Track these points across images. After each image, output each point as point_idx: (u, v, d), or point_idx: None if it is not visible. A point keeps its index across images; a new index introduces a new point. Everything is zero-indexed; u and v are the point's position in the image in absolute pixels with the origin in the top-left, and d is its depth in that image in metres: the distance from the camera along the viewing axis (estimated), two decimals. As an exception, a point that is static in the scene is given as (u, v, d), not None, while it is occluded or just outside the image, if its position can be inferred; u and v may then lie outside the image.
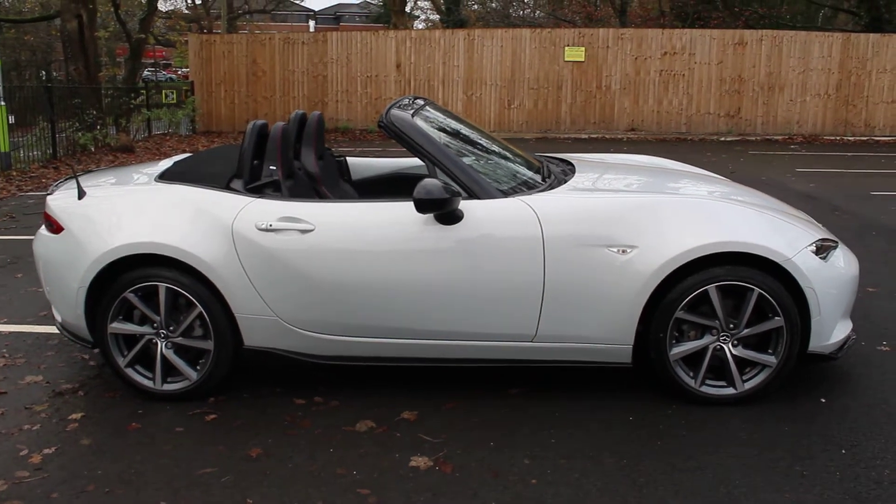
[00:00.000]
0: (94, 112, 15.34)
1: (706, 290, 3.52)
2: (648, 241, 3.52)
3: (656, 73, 19.56)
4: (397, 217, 3.62)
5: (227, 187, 3.86)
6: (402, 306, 3.63)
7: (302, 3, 54.41)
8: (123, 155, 14.54)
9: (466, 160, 3.81)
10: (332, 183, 4.87)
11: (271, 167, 3.98)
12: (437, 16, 38.54)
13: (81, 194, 3.97)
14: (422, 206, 3.45)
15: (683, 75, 19.51)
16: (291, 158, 4.25)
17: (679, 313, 3.56)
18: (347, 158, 5.36)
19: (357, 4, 65.38)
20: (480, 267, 3.56)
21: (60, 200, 4.02)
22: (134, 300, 3.77)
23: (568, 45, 19.59)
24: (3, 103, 12.44)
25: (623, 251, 3.52)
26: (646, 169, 4.92)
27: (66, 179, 4.33)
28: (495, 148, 4.46)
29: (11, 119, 12.94)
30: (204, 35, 22.77)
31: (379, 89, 20.21)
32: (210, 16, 36.76)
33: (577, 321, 3.60)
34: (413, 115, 3.86)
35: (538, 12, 39.97)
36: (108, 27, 22.15)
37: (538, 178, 4.08)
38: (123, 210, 3.86)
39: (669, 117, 19.73)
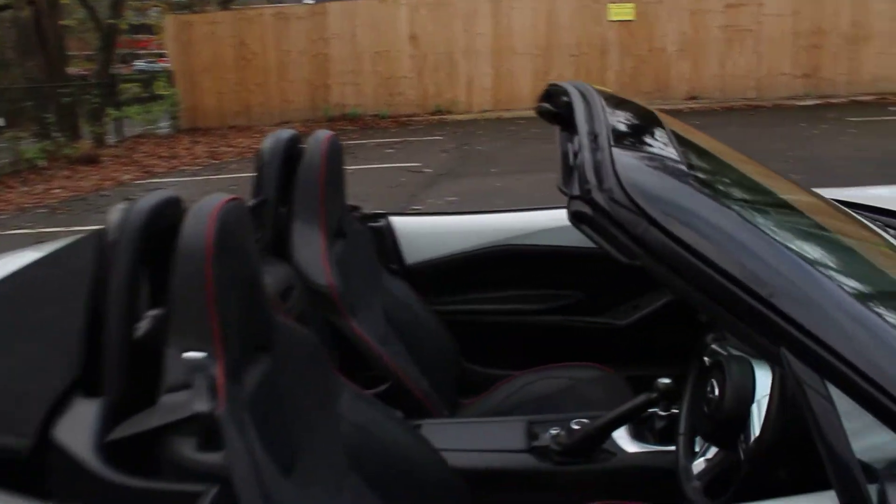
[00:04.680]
0: (48, 116, 12.48)
1: None
2: None
3: (719, 30, 16.45)
4: None
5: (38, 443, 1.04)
6: None
7: (298, -20, 51.10)
8: (85, 168, 11.65)
9: None
10: (366, 294, 2.08)
11: (186, 354, 1.15)
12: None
13: None
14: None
15: (751, 31, 16.39)
16: (244, 314, 1.32)
17: None
18: (391, 219, 2.56)
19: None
20: None
21: None
22: None
23: (612, 2, 16.56)
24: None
25: None
26: None
27: None
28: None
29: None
30: (181, 15, 19.81)
31: (391, 66, 17.22)
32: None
33: None
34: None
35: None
36: (75, 14, 19.26)
37: None
38: None
39: (735, 81, 16.64)
